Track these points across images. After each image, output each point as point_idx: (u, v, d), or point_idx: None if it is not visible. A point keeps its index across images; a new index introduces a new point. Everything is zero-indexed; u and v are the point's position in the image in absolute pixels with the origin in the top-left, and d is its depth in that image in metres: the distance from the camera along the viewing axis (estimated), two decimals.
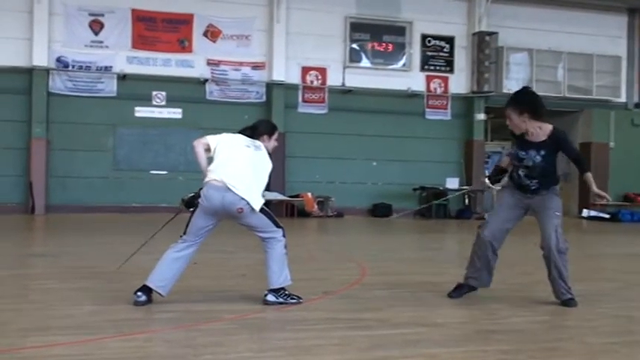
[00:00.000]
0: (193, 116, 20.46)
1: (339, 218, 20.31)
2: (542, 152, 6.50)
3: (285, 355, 4.68)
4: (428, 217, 21.29)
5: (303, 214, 20.12)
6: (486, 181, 6.97)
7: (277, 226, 6.37)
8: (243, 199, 6.11)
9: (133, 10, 20.12)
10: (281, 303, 6.27)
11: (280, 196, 19.81)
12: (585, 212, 22.46)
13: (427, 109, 22.53)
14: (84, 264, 9.06)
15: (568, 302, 6.56)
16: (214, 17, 20.76)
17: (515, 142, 6.71)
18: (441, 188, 21.75)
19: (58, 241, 12.81)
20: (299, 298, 6.41)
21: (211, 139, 6.37)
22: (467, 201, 22.26)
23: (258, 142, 6.47)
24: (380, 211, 21.48)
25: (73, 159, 19.64)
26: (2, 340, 4.88)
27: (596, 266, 9.68)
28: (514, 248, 13.30)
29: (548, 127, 6.54)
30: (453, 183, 21.77)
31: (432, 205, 21.62)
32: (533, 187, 6.60)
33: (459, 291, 6.90)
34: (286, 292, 6.35)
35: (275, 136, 6.65)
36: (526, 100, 6.53)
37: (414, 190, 21.83)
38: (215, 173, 6.21)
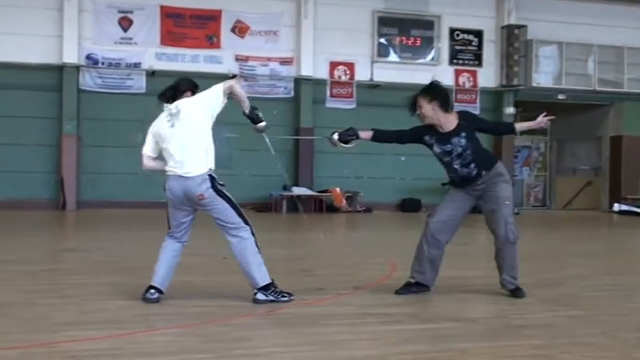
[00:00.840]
0: (221, 112, 20.13)
1: (367, 213, 20.29)
2: (463, 134, 6.48)
3: (315, 350, 4.69)
4: None
5: (332, 209, 20.11)
6: (335, 137, 6.77)
7: (245, 221, 6.14)
8: (202, 181, 5.96)
9: (162, 7, 20.22)
10: (272, 301, 6.08)
11: (309, 192, 19.80)
12: (617, 206, 22.24)
13: (456, 104, 22.39)
14: (115, 259, 9.14)
15: (515, 292, 6.58)
16: (242, 13, 20.80)
17: (434, 142, 6.59)
18: None
19: (90, 236, 12.93)
20: (290, 295, 6.22)
21: (146, 144, 6.35)
22: None
23: (175, 105, 6.19)
24: (409, 206, 21.42)
25: (103, 155, 19.79)
26: (37, 335, 4.94)
27: (629, 261, 9.57)
28: (540, 243, 13.22)
29: (453, 115, 6.57)
30: None
31: None
32: (474, 173, 6.51)
33: (407, 288, 6.75)
34: (276, 290, 6.15)
35: (197, 90, 6.41)
36: (436, 91, 6.54)
37: (443, 184, 21.67)
38: (167, 167, 6.17)
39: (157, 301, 6.07)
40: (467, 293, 6.97)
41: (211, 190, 6.00)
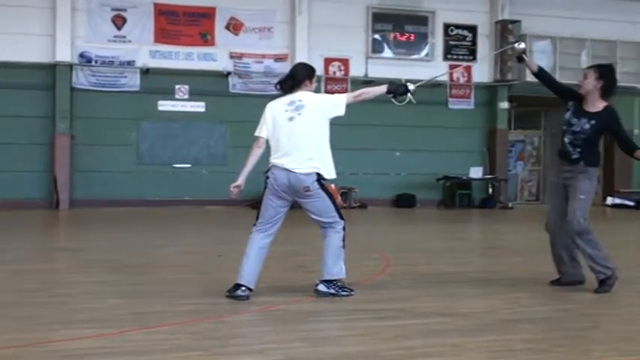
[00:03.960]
0: (216, 109, 20.51)
1: (362, 209, 20.30)
2: (593, 122, 6.75)
3: (308, 346, 4.70)
4: (451, 207, 21.22)
5: None
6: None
7: (340, 216, 6.33)
8: (308, 174, 6.10)
9: (155, 4, 20.16)
10: (332, 294, 6.23)
11: None
12: (610, 200, 22.29)
13: (450, 99, 22.43)
14: (108, 257, 9.14)
15: (604, 282, 6.62)
16: (236, 10, 20.76)
17: (570, 110, 6.92)
18: (465, 178, 21.67)
19: (83, 235, 12.91)
20: (351, 290, 6.36)
21: (262, 129, 6.34)
22: (491, 190, 22.15)
23: (299, 98, 6.26)
24: (404, 201, 21.44)
25: (97, 154, 19.75)
26: (31, 334, 4.94)
27: (622, 254, 9.59)
28: (534, 237, 13.24)
29: (603, 103, 6.86)
30: (476, 172, 21.68)
31: (456, 195, 21.59)
32: (574, 157, 6.78)
33: (558, 283, 7.00)
34: (338, 284, 6.30)
35: (315, 77, 6.49)
36: (608, 74, 6.96)
37: (438, 180, 21.74)
38: (273, 156, 6.24)
39: (247, 298, 6.09)
40: (460, 288, 6.99)
41: (317, 184, 6.16)
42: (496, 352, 4.59)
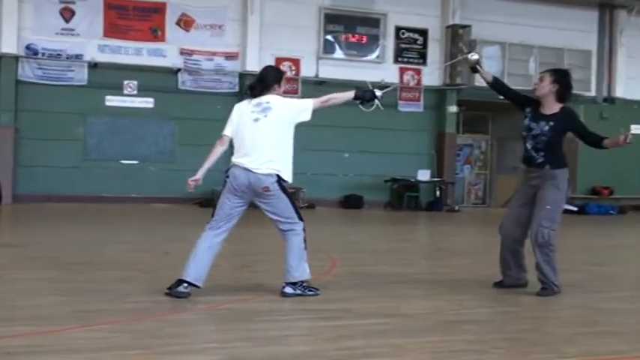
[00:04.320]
0: (165, 106, 20.34)
1: (310, 209, 20.29)
2: (551, 123, 6.78)
3: (251, 346, 4.68)
4: (399, 209, 21.36)
5: None
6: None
7: (300, 218, 6.35)
8: (268, 175, 6.10)
9: None
10: (299, 295, 6.27)
11: None
12: None
13: (400, 101, 22.56)
14: (51, 254, 8.99)
15: (540, 292, 6.71)
16: (187, 6, 20.60)
17: (529, 115, 6.95)
18: (413, 180, 21.83)
19: (26, 231, 12.69)
20: (317, 289, 6.42)
21: (227, 127, 6.33)
22: (438, 193, 22.35)
23: (266, 100, 6.23)
24: (351, 202, 21.52)
25: (42, 148, 19.41)
26: None
27: (563, 258, 9.72)
28: (479, 240, 13.41)
29: (559, 105, 6.87)
30: (424, 175, 21.85)
31: (403, 197, 21.75)
32: (539, 161, 6.83)
33: (501, 285, 7.10)
34: (304, 285, 6.35)
35: (284, 81, 6.48)
36: (564, 79, 6.89)
37: (386, 181, 21.87)
38: (235, 155, 6.24)
39: (188, 295, 6.04)
40: (405, 289, 7.04)
41: (276, 185, 6.14)
42: (438, 353, 4.64)
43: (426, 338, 5.03)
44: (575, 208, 22.15)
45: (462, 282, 7.47)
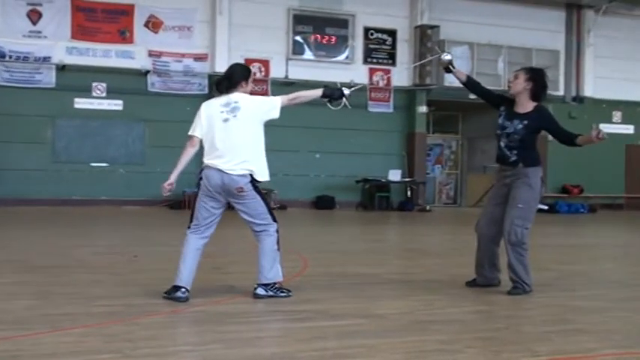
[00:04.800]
0: (134, 108, 20.23)
1: (282, 210, 20.28)
2: (525, 122, 6.81)
3: (224, 348, 4.66)
4: (370, 209, 21.41)
5: None
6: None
7: (273, 219, 6.32)
8: (241, 176, 6.07)
9: (72, 0, 19.76)
10: (271, 296, 6.26)
11: None
12: None
13: (370, 102, 22.63)
14: (20, 258, 8.89)
15: (511, 290, 6.75)
16: (155, 8, 20.52)
17: (503, 114, 6.98)
18: (384, 180, 21.90)
19: None
20: (289, 291, 6.40)
21: (195, 128, 6.24)
22: (409, 193, 22.44)
23: (235, 100, 6.17)
24: (323, 203, 21.56)
25: (10, 151, 19.24)
26: None
27: (533, 257, 9.81)
28: (450, 239, 13.48)
29: (533, 104, 6.90)
30: (395, 175, 21.94)
31: (375, 197, 21.81)
32: (512, 159, 6.85)
33: (473, 284, 7.14)
34: (276, 286, 6.33)
35: (251, 78, 6.41)
36: (539, 78, 6.89)
37: (357, 182, 21.93)
38: (206, 157, 6.18)
39: (186, 300, 6.02)
40: (376, 290, 7.05)
41: (250, 185, 6.11)
42: (410, 353, 4.64)
43: (398, 338, 5.03)
44: (545, 207, 22.37)
45: (434, 282, 7.50)
